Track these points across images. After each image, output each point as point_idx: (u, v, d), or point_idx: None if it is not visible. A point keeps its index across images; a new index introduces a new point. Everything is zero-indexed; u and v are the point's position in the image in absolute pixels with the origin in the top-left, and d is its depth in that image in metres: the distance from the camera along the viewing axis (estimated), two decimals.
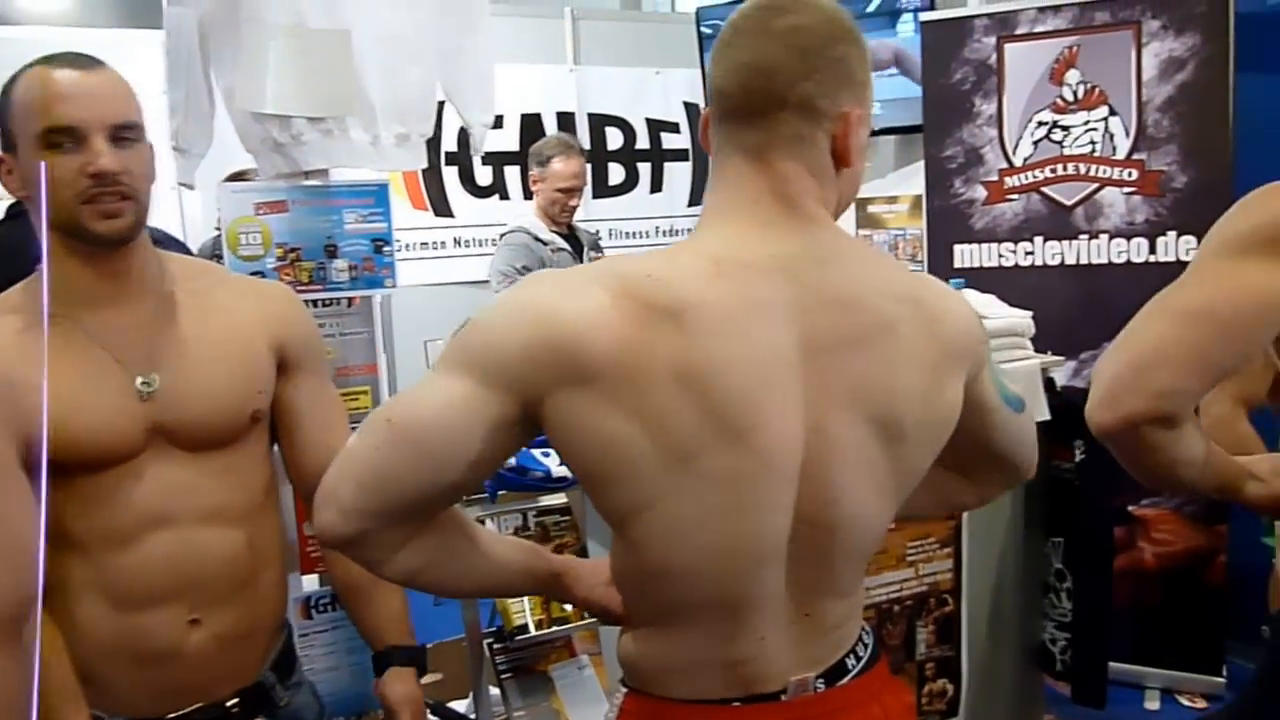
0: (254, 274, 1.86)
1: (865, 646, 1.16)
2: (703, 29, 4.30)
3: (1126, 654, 3.13)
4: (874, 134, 3.96)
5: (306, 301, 1.75)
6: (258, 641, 1.44)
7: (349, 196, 1.99)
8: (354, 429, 1.07)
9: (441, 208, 4.48)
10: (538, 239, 3.51)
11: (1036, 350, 2.54)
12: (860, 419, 1.02)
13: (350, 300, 2.01)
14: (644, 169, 4.81)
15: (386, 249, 2.02)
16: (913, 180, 3.53)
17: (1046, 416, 2.45)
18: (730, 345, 0.97)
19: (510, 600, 2.20)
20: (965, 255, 3.33)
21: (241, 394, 1.38)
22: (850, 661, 1.13)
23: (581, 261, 3.42)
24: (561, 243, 3.56)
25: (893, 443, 1.04)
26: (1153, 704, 3.16)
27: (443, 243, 4.48)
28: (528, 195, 4.60)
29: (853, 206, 4.45)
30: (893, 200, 4.11)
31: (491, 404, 0.97)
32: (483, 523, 2.29)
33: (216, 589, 1.35)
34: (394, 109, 1.93)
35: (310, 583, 1.97)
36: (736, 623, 1.04)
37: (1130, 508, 3.14)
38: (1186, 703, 3.14)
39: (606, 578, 1.15)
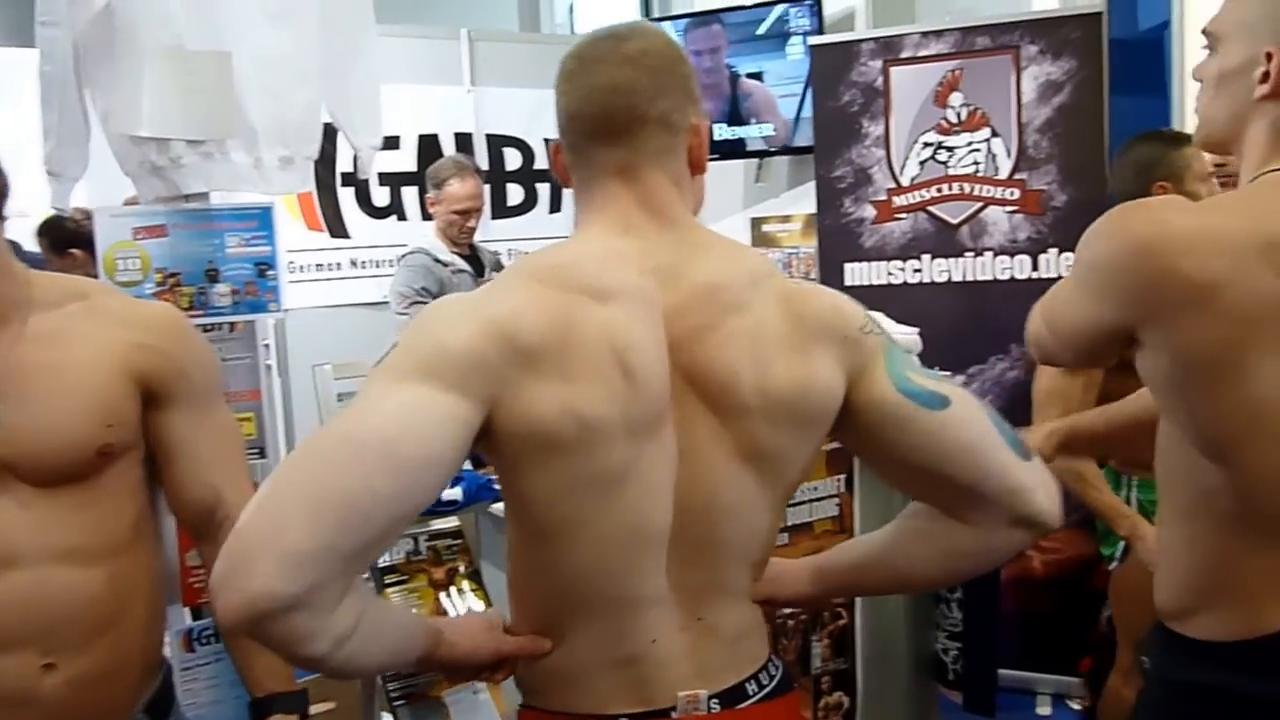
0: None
1: (772, 676, 1.16)
2: None
3: (1018, 661, 3.22)
4: (768, 154, 4.06)
5: None
6: (125, 683, 1.37)
7: (231, 220, 1.95)
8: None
9: (337, 229, 4.40)
10: (438, 260, 3.49)
11: (925, 366, 2.61)
12: (719, 406, 1.06)
13: (232, 325, 1.97)
14: (543, 189, 4.81)
15: (271, 273, 1.99)
16: (805, 200, 3.60)
17: None
18: (640, 329, 1.03)
19: None
20: (856, 273, 3.40)
21: (87, 428, 1.30)
22: (751, 687, 1.13)
23: (483, 282, 3.38)
24: (462, 264, 3.55)
25: (744, 418, 1.06)
26: (1044, 709, 3.26)
27: (338, 264, 4.41)
28: (426, 216, 4.56)
29: (748, 225, 4.55)
30: (786, 219, 4.19)
31: (459, 406, 0.96)
32: None
33: (73, 631, 1.28)
34: (277, 131, 1.91)
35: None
36: (628, 620, 1.06)
37: None
38: (1076, 706, 3.24)
39: (485, 624, 1.14)
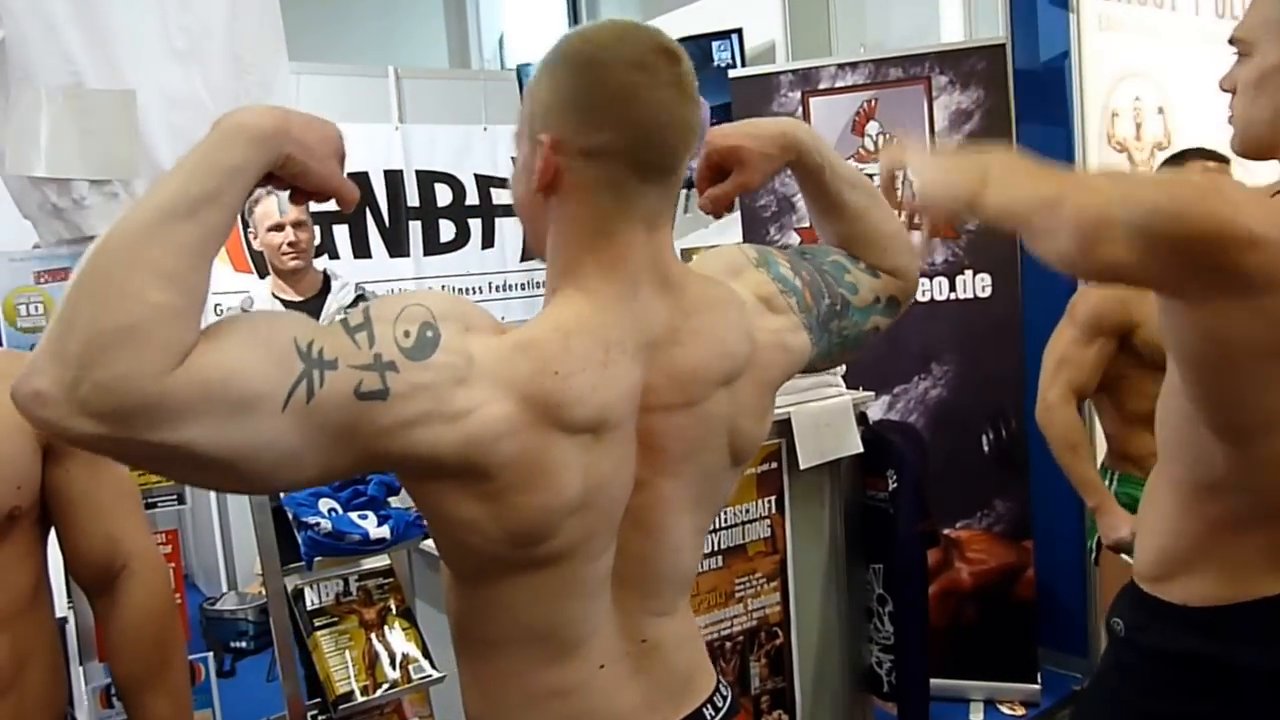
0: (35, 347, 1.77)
1: (724, 698, 1.17)
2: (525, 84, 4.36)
3: (950, 670, 3.28)
4: (694, 185, 4.12)
5: None
6: None
7: None
8: (151, 504, 0.99)
9: (265, 270, 4.37)
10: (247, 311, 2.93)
11: (850, 387, 2.67)
12: (682, 476, 1.07)
13: None
14: (475, 225, 4.81)
15: None
16: (732, 229, 3.66)
17: (859, 449, 2.57)
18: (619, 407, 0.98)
19: (332, 668, 2.15)
20: None
21: None
22: (709, 711, 1.14)
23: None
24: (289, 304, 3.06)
25: (706, 482, 1.10)
26: (977, 716, 3.32)
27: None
28: (357, 254, 4.59)
29: (679, 256, 4.60)
30: (715, 249, 4.24)
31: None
32: (301, 592, 2.24)
33: None
34: None
35: None
36: (571, 646, 1.04)
37: (946, 530, 3.31)
38: (1007, 711, 3.31)
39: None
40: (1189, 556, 1.31)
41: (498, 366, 0.90)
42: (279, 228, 3.00)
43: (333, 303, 3.03)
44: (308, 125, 0.91)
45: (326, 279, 3.15)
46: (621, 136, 0.96)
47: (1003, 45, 3.21)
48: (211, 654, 2.75)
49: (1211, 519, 1.28)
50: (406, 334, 0.87)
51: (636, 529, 1.05)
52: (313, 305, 3.01)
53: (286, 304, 3.03)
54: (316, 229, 4.41)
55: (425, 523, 1.10)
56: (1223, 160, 2.42)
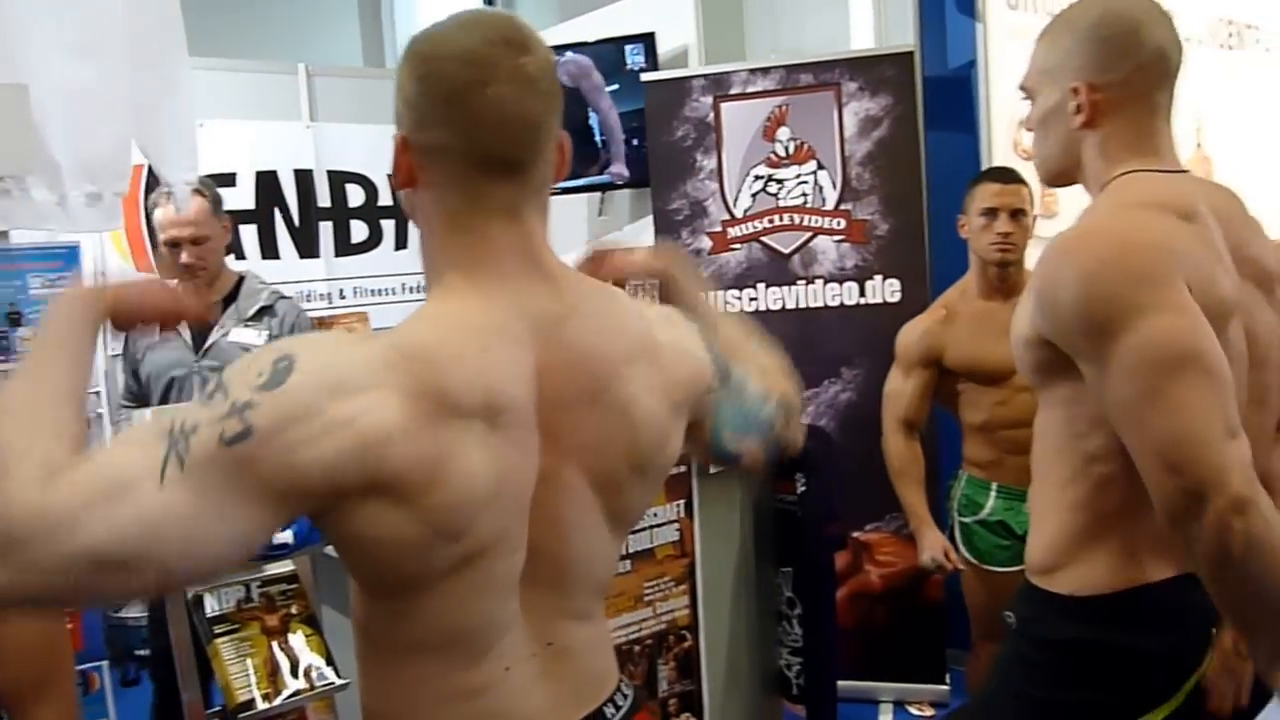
0: None
1: (625, 697, 1.17)
2: None
3: (860, 671, 3.33)
4: (611, 188, 4.13)
5: None
6: None
7: (35, 259, 1.88)
8: None
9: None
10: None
11: None
12: (588, 466, 1.05)
13: None
14: (388, 226, 4.75)
15: None
16: (648, 232, 3.66)
17: None
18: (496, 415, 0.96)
19: (232, 675, 2.10)
20: None
21: None
22: (609, 710, 1.14)
23: (199, 348, 2.73)
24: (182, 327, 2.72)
25: (612, 480, 1.07)
26: (886, 716, 3.36)
27: None
28: (265, 255, 4.49)
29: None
30: (629, 252, 4.24)
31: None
32: (200, 599, 2.19)
33: None
34: (82, 167, 1.85)
35: None
36: (479, 649, 1.03)
37: (855, 533, 3.35)
38: (916, 711, 3.36)
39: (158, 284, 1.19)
40: (1078, 548, 1.35)
41: (373, 370, 0.89)
42: (174, 244, 2.64)
43: (232, 312, 2.80)
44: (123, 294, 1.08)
45: (240, 281, 2.89)
46: (457, 135, 0.97)
47: (912, 53, 3.25)
48: (107, 663, 2.67)
49: (1100, 511, 1.33)
50: (260, 374, 0.87)
51: (545, 526, 1.03)
52: (220, 308, 2.81)
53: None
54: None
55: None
56: (1019, 181, 2.55)
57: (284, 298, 2.88)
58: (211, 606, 2.19)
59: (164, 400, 2.66)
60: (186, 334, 2.71)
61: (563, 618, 1.10)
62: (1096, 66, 1.37)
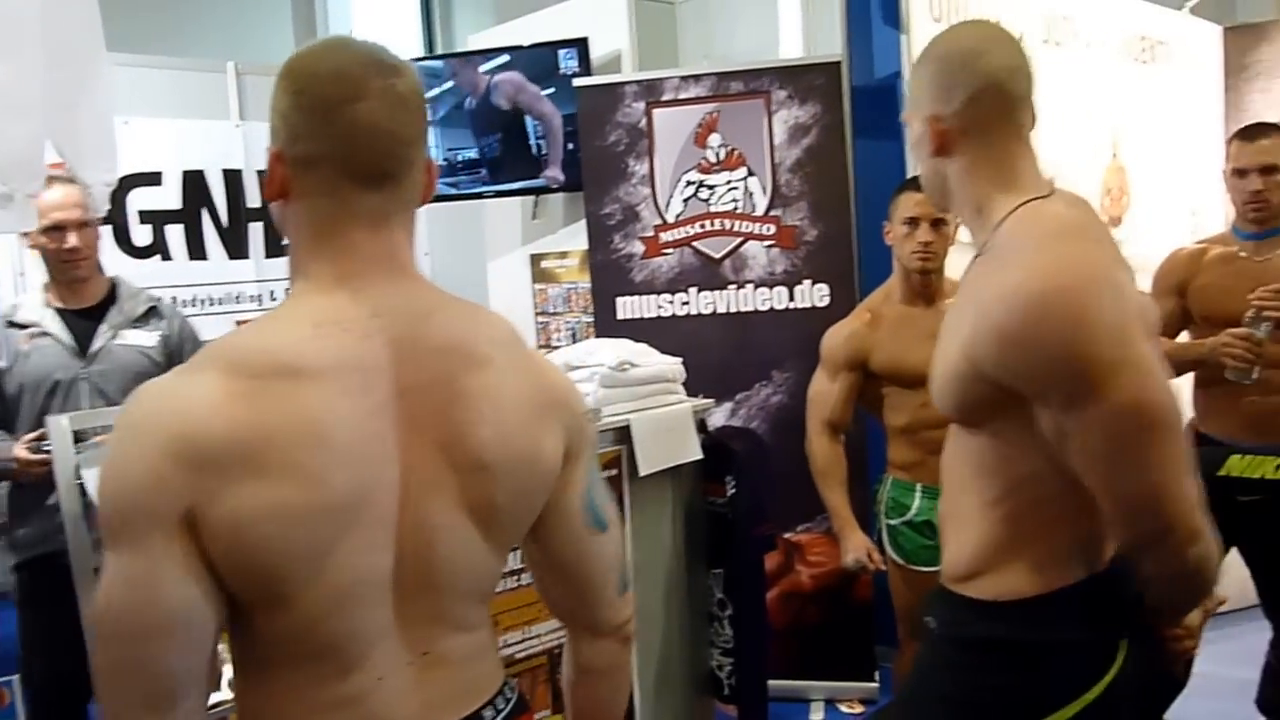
0: None
1: (508, 700, 1.17)
2: None
3: (791, 671, 3.37)
4: (544, 192, 4.14)
5: None
6: None
7: None
8: None
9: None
10: (12, 323, 2.60)
11: (693, 394, 2.71)
12: (449, 458, 1.06)
13: None
14: None
15: None
16: (581, 236, 3.67)
17: (699, 456, 2.61)
18: (345, 401, 0.99)
19: None
20: (627, 307, 3.50)
21: None
22: (489, 713, 1.14)
23: (84, 352, 2.60)
24: (52, 323, 2.60)
25: (476, 473, 1.07)
26: (817, 715, 3.41)
27: None
28: (192, 256, 4.41)
29: (528, 261, 4.58)
30: (564, 255, 4.26)
31: (169, 552, 0.95)
32: None
33: None
34: None
35: None
36: (354, 659, 1.04)
37: (786, 534, 3.39)
38: (846, 709, 3.41)
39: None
40: (1000, 557, 1.38)
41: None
42: (59, 228, 2.51)
43: (116, 314, 2.67)
44: None
45: (115, 287, 2.73)
46: (329, 146, 1.02)
47: (839, 62, 3.31)
48: (17, 677, 2.60)
49: (1027, 525, 1.36)
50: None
51: (411, 529, 1.05)
52: (93, 316, 2.65)
53: (63, 314, 2.62)
54: (149, 228, 4.26)
55: None
56: None
57: (158, 300, 2.80)
58: None
59: (44, 411, 2.44)
60: (67, 337, 2.59)
61: (439, 625, 1.10)
62: (935, 98, 1.41)
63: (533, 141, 3.91)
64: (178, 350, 2.70)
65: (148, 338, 2.67)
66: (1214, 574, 1.31)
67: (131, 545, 0.94)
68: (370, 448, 1.01)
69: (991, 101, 1.39)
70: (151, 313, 2.73)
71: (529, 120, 3.93)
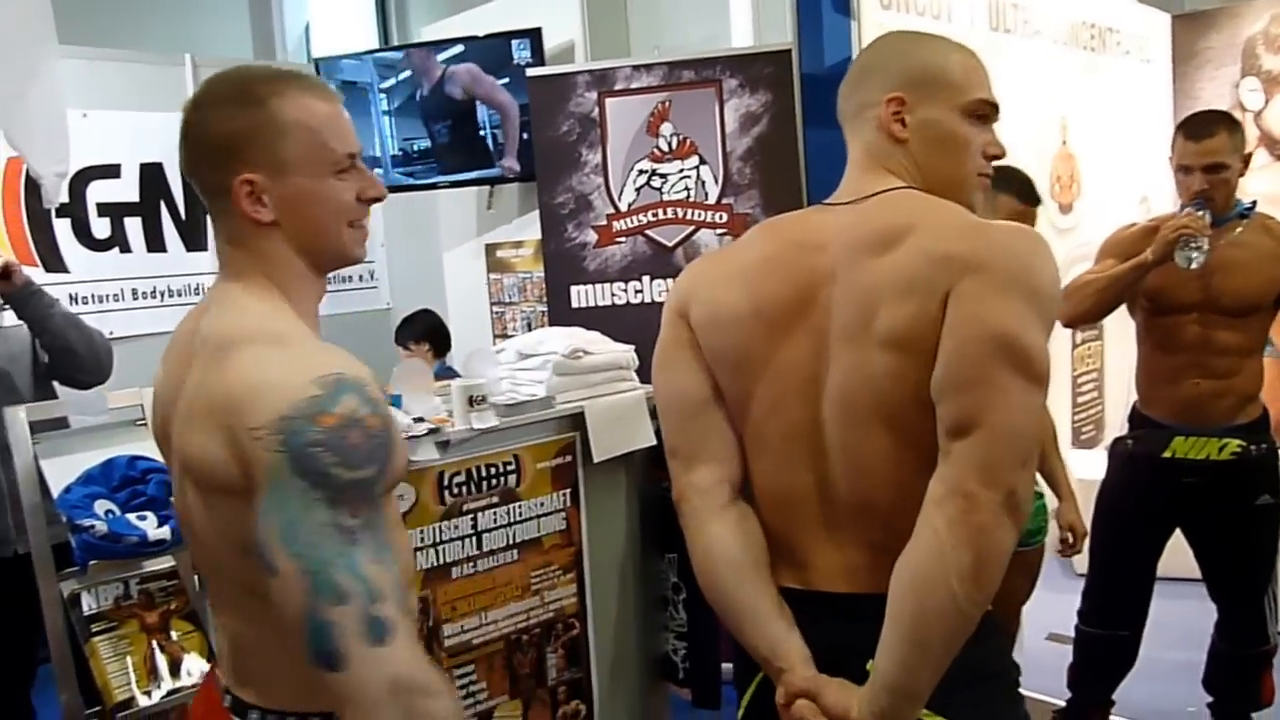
0: None
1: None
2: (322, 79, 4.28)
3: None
4: (499, 182, 4.15)
5: None
6: None
7: None
8: None
9: (54, 263, 4.16)
10: None
11: (646, 381, 2.74)
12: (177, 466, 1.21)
13: None
14: None
15: None
16: (535, 226, 3.69)
17: (653, 442, 2.65)
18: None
19: (110, 674, 2.08)
20: (581, 295, 3.53)
21: None
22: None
23: None
24: None
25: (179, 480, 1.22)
26: None
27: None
28: (151, 248, 4.40)
29: (483, 251, 4.58)
30: (518, 245, 4.28)
31: None
32: (77, 597, 2.16)
33: None
34: None
35: None
36: None
37: None
38: None
39: None
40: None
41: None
42: None
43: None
44: None
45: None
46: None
47: (789, 51, 3.34)
48: None
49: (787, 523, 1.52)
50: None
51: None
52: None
53: None
54: (107, 221, 4.25)
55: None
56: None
57: None
58: (89, 605, 2.17)
59: None
60: None
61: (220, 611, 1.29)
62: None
63: (486, 131, 3.93)
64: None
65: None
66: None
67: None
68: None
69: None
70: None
71: (481, 109, 3.95)
